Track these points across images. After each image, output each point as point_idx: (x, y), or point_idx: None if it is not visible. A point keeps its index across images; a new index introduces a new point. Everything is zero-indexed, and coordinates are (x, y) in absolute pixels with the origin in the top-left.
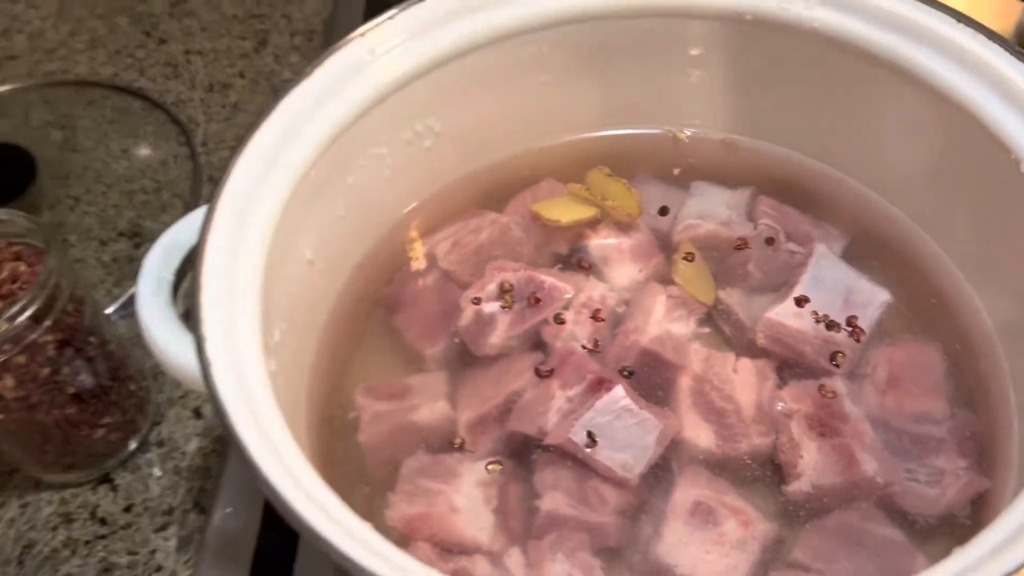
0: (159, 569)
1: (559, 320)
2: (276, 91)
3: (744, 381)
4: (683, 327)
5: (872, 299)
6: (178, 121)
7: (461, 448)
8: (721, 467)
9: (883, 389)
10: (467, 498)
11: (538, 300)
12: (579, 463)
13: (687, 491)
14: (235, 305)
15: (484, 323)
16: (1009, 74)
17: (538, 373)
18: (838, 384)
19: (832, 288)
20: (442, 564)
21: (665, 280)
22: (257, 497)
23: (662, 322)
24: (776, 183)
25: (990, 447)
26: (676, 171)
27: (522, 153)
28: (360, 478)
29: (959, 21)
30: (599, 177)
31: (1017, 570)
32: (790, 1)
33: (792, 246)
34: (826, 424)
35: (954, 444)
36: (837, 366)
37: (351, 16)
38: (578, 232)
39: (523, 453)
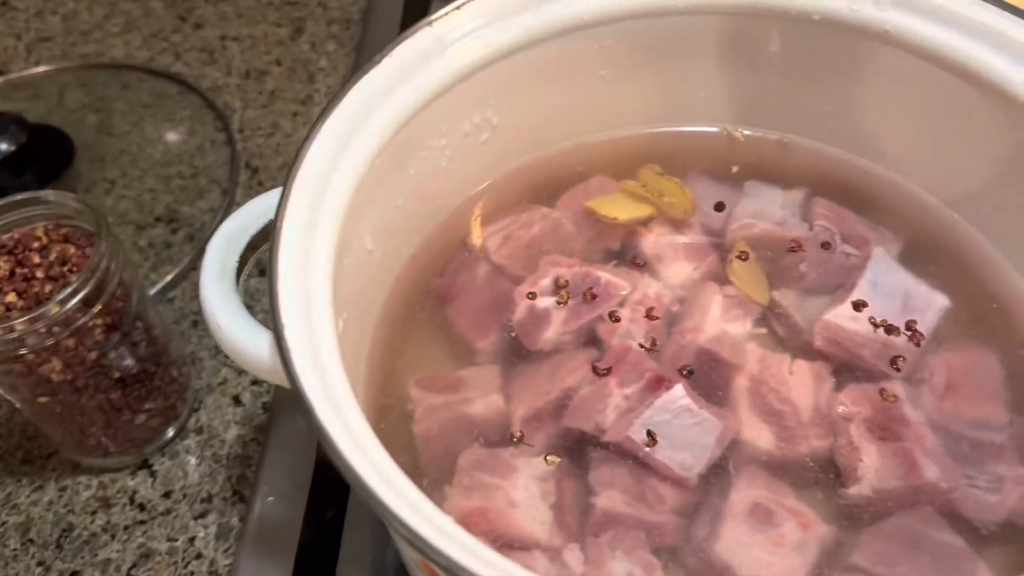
0: (199, 556)
1: (615, 317)
2: (311, 78)
3: (801, 383)
4: (740, 327)
5: (930, 304)
6: (214, 107)
7: (520, 442)
8: (780, 469)
9: (941, 394)
10: (525, 492)
11: (594, 296)
12: (637, 461)
13: (746, 492)
14: (309, 292)
15: (539, 318)
16: None
17: (595, 371)
18: (899, 388)
19: (890, 292)
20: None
21: (720, 279)
22: (300, 486)
23: (719, 321)
24: (831, 185)
25: None
26: (734, 169)
27: (574, 148)
28: (417, 470)
29: None
30: (651, 175)
31: None
32: (860, 2)
33: (848, 248)
34: (886, 428)
35: (1015, 451)
36: (898, 370)
37: (390, 6)
38: (630, 229)
39: (578, 450)
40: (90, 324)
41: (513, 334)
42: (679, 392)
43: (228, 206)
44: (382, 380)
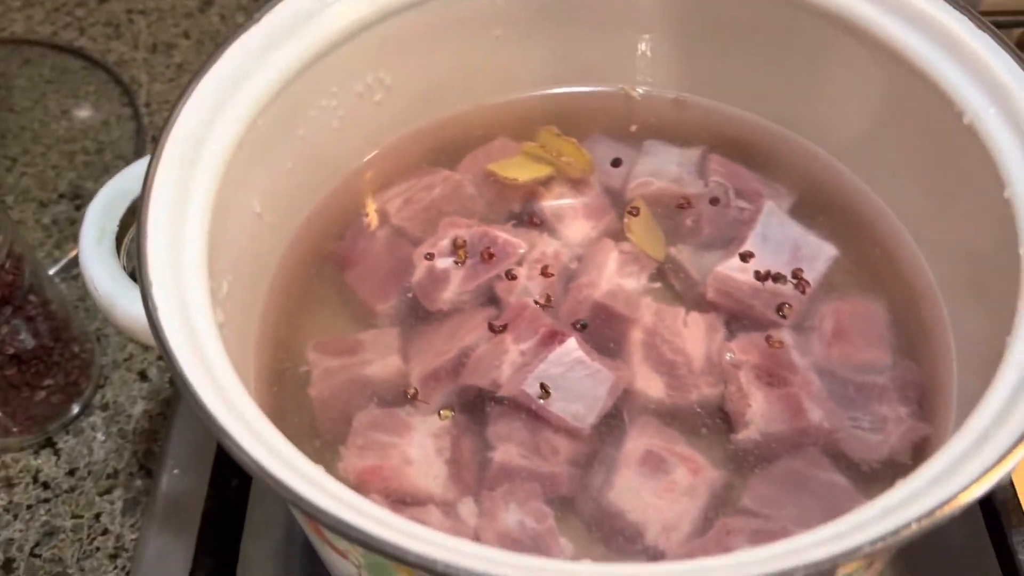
0: (105, 532)
1: (511, 276)
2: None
3: (694, 334)
4: (635, 282)
5: (819, 254)
6: (120, 81)
7: (414, 399)
8: (671, 417)
9: (829, 341)
10: (420, 449)
11: (491, 256)
12: (532, 415)
13: (638, 440)
14: (181, 254)
15: (437, 278)
16: (954, 28)
17: (491, 328)
18: (785, 335)
19: (780, 243)
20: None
21: (618, 237)
22: (205, 458)
23: (614, 277)
24: (728, 142)
25: (931, 394)
26: (633, 128)
27: (474, 109)
28: (311, 432)
29: None
30: (550, 136)
31: (951, 501)
32: None
33: (741, 203)
34: (774, 374)
35: (896, 392)
36: (784, 317)
37: None
38: (531, 190)
39: (476, 407)
40: None
41: (412, 295)
42: (572, 345)
43: None
44: (279, 344)
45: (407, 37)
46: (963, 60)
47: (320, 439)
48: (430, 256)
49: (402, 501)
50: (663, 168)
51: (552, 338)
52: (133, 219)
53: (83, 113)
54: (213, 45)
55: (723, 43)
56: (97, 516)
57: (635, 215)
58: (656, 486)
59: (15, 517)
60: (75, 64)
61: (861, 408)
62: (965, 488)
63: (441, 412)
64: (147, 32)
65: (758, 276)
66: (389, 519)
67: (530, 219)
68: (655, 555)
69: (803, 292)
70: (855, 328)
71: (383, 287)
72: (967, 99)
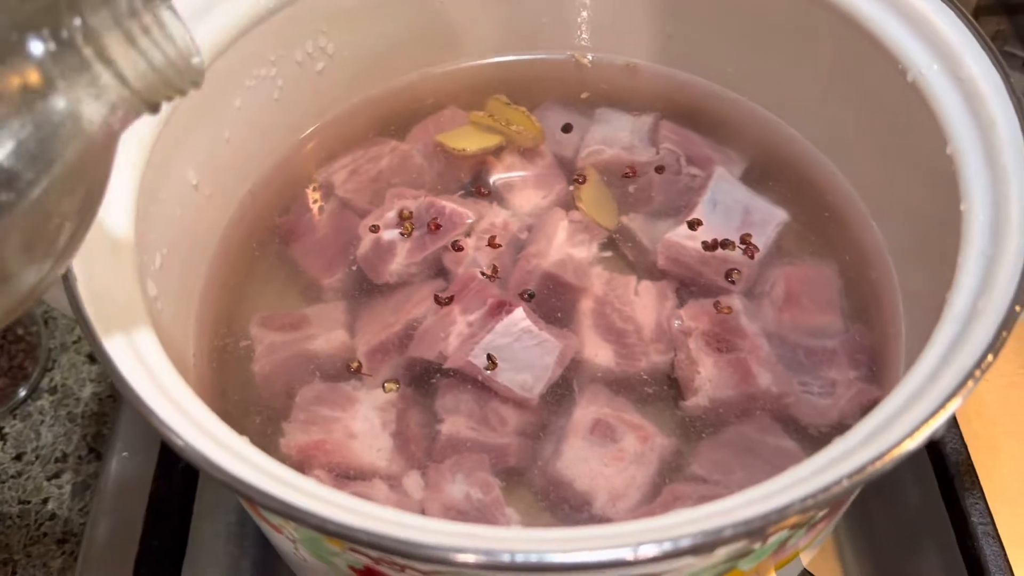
0: (52, 517)
1: (458, 247)
2: None
3: (645, 302)
4: (585, 251)
5: (770, 219)
6: None
7: (358, 372)
8: (621, 385)
9: (780, 306)
10: (365, 423)
11: (438, 226)
12: (480, 386)
13: (587, 409)
14: (107, 225)
15: (383, 251)
16: None
17: (437, 300)
18: (734, 301)
19: (730, 209)
20: (340, 489)
21: (569, 206)
22: (154, 439)
23: (564, 246)
24: (681, 108)
25: (880, 358)
26: (584, 95)
27: (421, 79)
28: (254, 408)
29: None
30: (499, 105)
31: (881, 458)
32: None
33: (693, 169)
34: (723, 340)
35: (846, 356)
36: (733, 283)
37: None
38: (482, 160)
39: (424, 380)
40: None
41: (357, 269)
42: (519, 315)
43: None
44: (221, 320)
45: (347, 4)
46: (907, 18)
47: (262, 415)
48: (375, 228)
49: (346, 476)
50: (615, 136)
51: (499, 309)
52: None
53: None
54: None
55: (669, 7)
56: (45, 501)
57: (581, 183)
58: (605, 454)
59: None
60: None
61: (811, 372)
62: (896, 444)
63: (385, 385)
64: None
65: (706, 245)
66: (312, 488)
67: (479, 189)
68: (602, 523)
69: (751, 257)
70: (806, 293)
71: (329, 261)
72: (911, 57)
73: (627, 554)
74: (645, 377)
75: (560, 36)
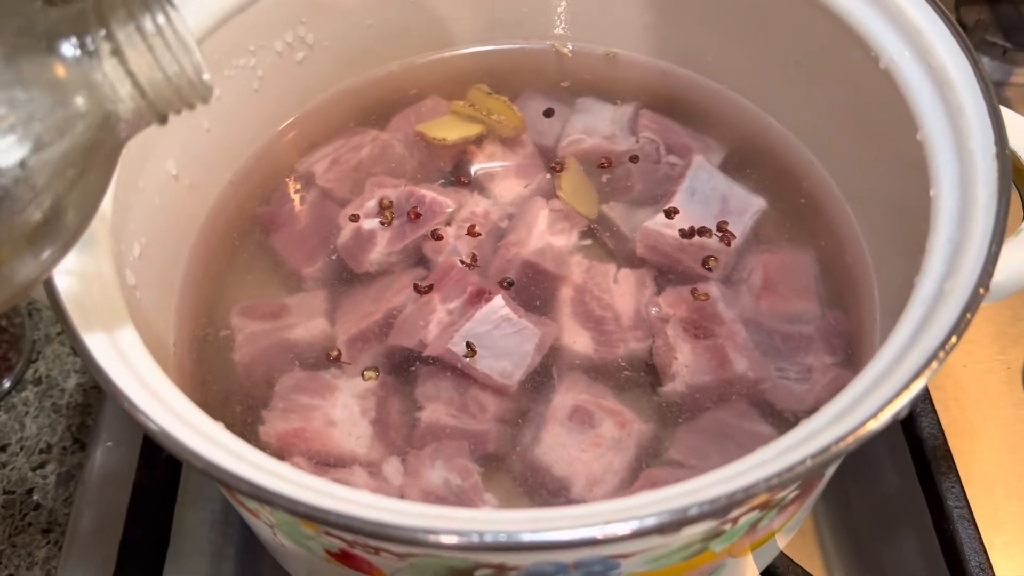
0: (37, 508)
1: (437, 236)
2: None
3: (624, 290)
4: (565, 239)
5: (747, 207)
6: None
7: (338, 360)
8: (599, 372)
9: (757, 293)
10: (344, 411)
11: (418, 215)
12: (460, 374)
13: (566, 396)
14: None
15: (363, 240)
16: None
17: (417, 289)
18: (711, 288)
19: (708, 197)
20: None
21: (549, 195)
22: (137, 430)
23: (544, 235)
24: (661, 97)
25: (856, 343)
26: (564, 83)
27: (403, 69)
28: (234, 397)
29: None
30: (480, 94)
31: (852, 434)
32: None
33: (672, 158)
34: (700, 327)
35: (822, 342)
36: (710, 270)
37: None
38: (463, 149)
39: (404, 367)
40: None
41: (338, 258)
42: (499, 303)
43: None
44: (200, 307)
45: None
46: (879, 5)
47: (243, 404)
48: (355, 217)
49: (326, 463)
50: (595, 125)
51: (479, 297)
52: None
53: None
54: None
55: None
56: (29, 491)
57: (558, 171)
58: (583, 440)
59: None
60: None
61: (788, 358)
62: (860, 425)
63: (364, 373)
64: None
65: (683, 232)
66: (283, 471)
67: (459, 179)
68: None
69: (728, 244)
70: (783, 280)
71: (309, 250)
72: (883, 43)
73: (595, 533)
74: (623, 364)
75: (540, 26)
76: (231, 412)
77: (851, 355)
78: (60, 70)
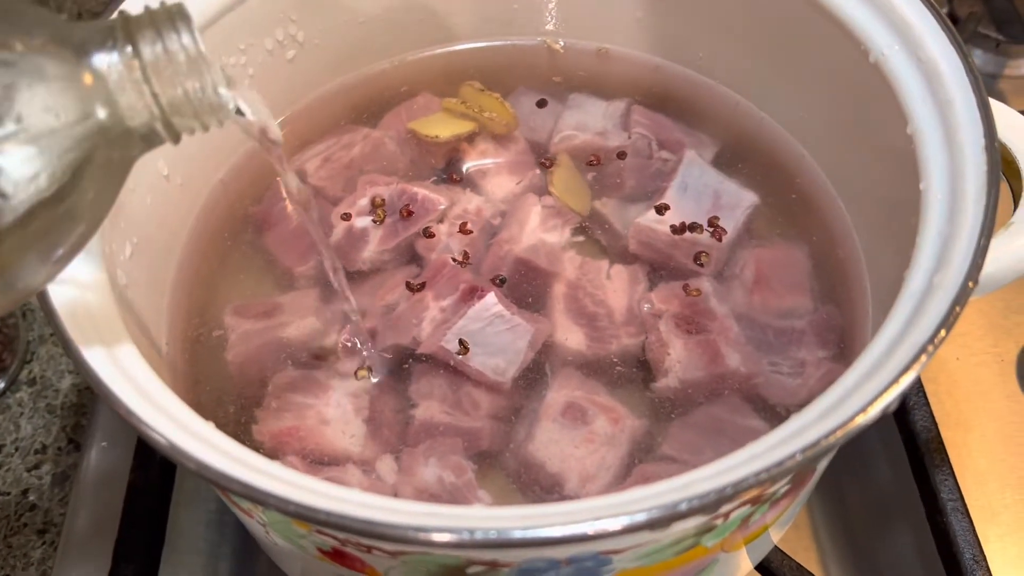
0: (32, 508)
1: (428, 233)
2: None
3: (616, 286)
4: (557, 236)
5: (739, 202)
6: None
7: (332, 360)
8: (592, 368)
9: (750, 288)
10: (337, 409)
11: (411, 213)
12: (453, 371)
13: (559, 392)
14: None
15: (356, 238)
16: None
17: (410, 287)
18: (703, 283)
19: (700, 193)
20: (313, 475)
21: (542, 192)
22: (132, 430)
23: (536, 231)
24: (653, 94)
25: (849, 337)
26: (556, 79)
27: (394, 67)
28: (228, 397)
29: None
30: (471, 91)
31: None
32: None
33: (664, 154)
34: (693, 322)
35: (815, 336)
36: (702, 266)
37: None
38: (455, 146)
39: (398, 365)
40: None
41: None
42: (491, 300)
43: None
44: (192, 307)
45: None
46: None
47: (236, 403)
48: (347, 216)
49: (320, 462)
50: (588, 121)
51: (471, 294)
52: None
53: None
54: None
55: None
56: (24, 492)
57: (548, 167)
58: (576, 436)
59: None
60: None
61: (780, 353)
62: (850, 419)
63: (358, 372)
64: None
65: (675, 228)
66: (274, 470)
67: (451, 176)
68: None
69: (719, 240)
70: (775, 274)
71: (302, 249)
72: (873, 38)
73: (586, 529)
74: (616, 360)
75: (532, 22)
76: (224, 412)
77: (844, 349)
78: (87, 80)
